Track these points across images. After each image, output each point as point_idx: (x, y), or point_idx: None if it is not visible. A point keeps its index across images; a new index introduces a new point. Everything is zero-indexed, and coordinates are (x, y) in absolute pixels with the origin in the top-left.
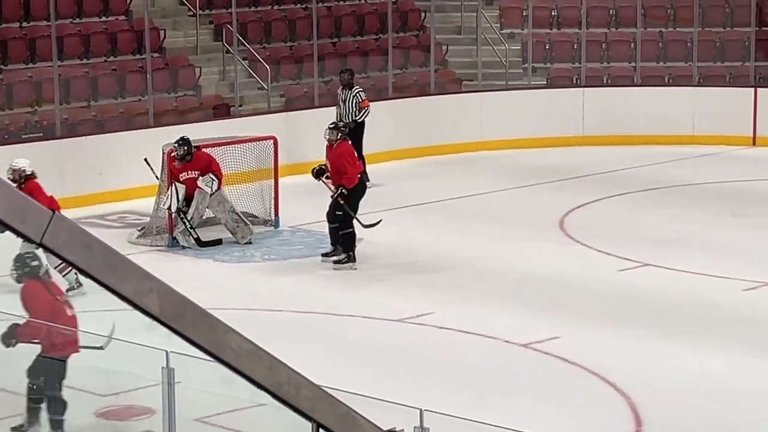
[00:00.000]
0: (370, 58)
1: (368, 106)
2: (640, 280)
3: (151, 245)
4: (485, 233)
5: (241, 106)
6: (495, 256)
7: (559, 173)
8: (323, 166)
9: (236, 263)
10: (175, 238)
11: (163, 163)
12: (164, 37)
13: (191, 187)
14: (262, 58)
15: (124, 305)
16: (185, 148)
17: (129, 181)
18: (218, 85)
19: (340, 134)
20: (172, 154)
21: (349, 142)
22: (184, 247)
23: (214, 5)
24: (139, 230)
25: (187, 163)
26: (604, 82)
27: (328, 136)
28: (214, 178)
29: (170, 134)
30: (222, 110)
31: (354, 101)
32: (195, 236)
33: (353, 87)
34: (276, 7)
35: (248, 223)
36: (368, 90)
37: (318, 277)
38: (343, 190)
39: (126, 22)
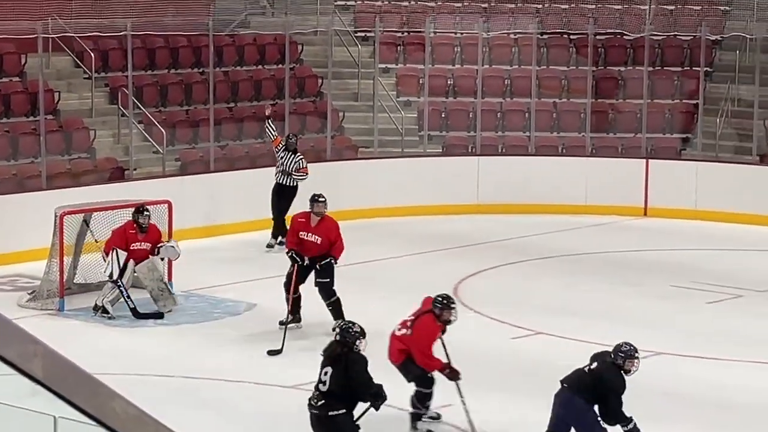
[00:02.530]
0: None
1: (306, 174)
2: (532, 348)
3: (41, 309)
4: (380, 300)
5: (135, 169)
6: (389, 323)
7: (453, 241)
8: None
9: (128, 328)
10: (102, 308)
11: (55, 227)
12: (59, 99)
13: (140, 257)
14: (158, 122)
15: (9, 370)
16: (149, 218)
17: (20, 243)
18: (113, 148)
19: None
20: (140, 221)
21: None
22: (110, 317)
23: (110, 68)
24: (29, 293)
25: (144, 234)
26: (499, 151)
27: (318, 209)
28: (176, 241)
29: (63, 197)
30: (116, 173)
31: (295, 166)
32: (132, 305)
33: (297, 152)
34: (172, 71)
35: (172, 293)
36: (264, 156)
37: (212, 343)
38: (333, 261)
39: (20, 84)
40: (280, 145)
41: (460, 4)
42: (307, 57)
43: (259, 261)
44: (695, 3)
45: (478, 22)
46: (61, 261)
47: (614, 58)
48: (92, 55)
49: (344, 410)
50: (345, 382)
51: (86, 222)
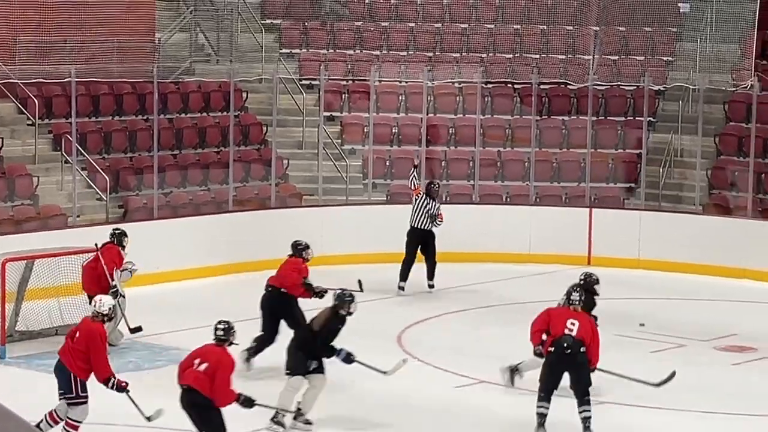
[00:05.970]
0: (211, 170)
1: (442, 220)
2: (476, 396)
3: None
4: None
5: (78, 216)
6: (332, 370)
7: (398, 289)
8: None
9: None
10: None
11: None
12: (2, 146)
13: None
14: (102, 169)
15: None
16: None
17: None
18: (56, 195)
19: None
20: (124, 244)
21: None
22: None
23: (54, 114)
24: None
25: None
26: (444, 199)
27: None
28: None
29: (6, 244)
30: (59, 220)
31: (431, 213)
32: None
33: (435, 199)
34: (116, 117)
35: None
36: (209, 203)
37: (156, 391)
38: None
39: None
40: (421, 194)
41: (404, 53)
42: (251, 104)
43: (204, 308)
44: (638, 53)
45: (423, 70)
46: (3, 308)
47: (558, 107)
48: (36, 101)
49: None
50: None
51: (29, 269)
